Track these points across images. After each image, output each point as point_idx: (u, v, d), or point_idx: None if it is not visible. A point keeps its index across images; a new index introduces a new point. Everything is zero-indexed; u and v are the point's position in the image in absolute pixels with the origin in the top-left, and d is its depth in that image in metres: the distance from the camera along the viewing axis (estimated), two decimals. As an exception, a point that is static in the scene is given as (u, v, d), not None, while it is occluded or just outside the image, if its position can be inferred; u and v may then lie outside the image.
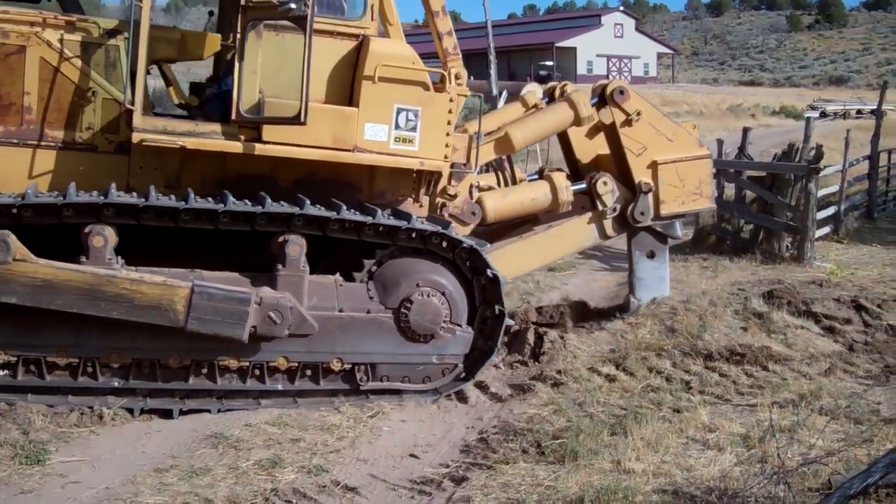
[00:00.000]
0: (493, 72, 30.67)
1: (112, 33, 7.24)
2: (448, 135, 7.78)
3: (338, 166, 7.56)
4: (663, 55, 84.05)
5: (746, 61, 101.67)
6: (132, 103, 7.04)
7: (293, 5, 6.95)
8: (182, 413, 6.93)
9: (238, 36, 7.15)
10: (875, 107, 21.58)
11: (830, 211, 15.97)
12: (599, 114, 9.01)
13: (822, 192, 14.74)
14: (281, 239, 7.01)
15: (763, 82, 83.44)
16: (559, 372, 7.98)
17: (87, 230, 6.60)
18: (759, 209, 14.32)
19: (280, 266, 7.00)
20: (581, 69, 71.01)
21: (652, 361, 8.30)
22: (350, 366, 7.32)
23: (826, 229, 15.51)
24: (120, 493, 5.50)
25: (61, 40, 7.13)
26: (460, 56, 8.04)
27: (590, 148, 9.52)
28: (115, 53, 7.25)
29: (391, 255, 7.43)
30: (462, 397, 7.55)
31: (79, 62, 7.17)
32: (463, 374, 7.62)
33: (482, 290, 7.59)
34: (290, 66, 7.21)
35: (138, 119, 7.00)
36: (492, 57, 30.86)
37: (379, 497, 5.67)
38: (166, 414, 6.91)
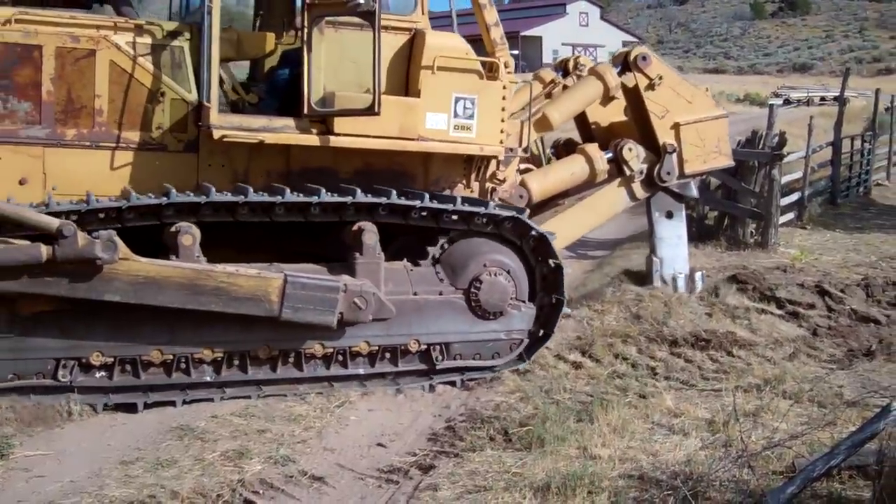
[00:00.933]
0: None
1: (174, 34, 7.38)
2: (503, 121, 8.11)
3: (394, 156, 7.89)
4: (629, 44, 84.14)
5: (711, 49, 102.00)
6: (208, 101, 7.17)
7: (362, 1, 7.16)
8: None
9: (304, 33, 7.35)
10: (838, 94, 21.75)
11: (794, 197, 16.07)
12: (623, 79, 9.24)
13: (785, 179, 14.83)
14: (356, 228, 7.22)
15: (727, 70, 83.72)
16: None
17: (174, 229, 6.73)
18: (724, 196, 14.38)
19: (357, 254, 7.21)
20: (546, 58, 70.89)
21: (618, 348, 8.35)
22: (426, 346, 7.54)
23: (790, 215, 15.61)
24: (85, 487, 5.45)
25: (129, 43, 7.25)
26: (507, 45, 8.36)
27: (604, 116, 9.80)
28: (180, 54, 7.38)
29: (457, 238, 7.72)
30: (428, 386, 7.54)
31: (147, 64, 7.30)
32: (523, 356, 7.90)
33: (543, 277, 7.90)
34: (356, 60, 7.52)
35: (215, 116, 7.17)
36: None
37: (346, 486, 5.65)
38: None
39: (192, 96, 7.38)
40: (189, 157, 7.50)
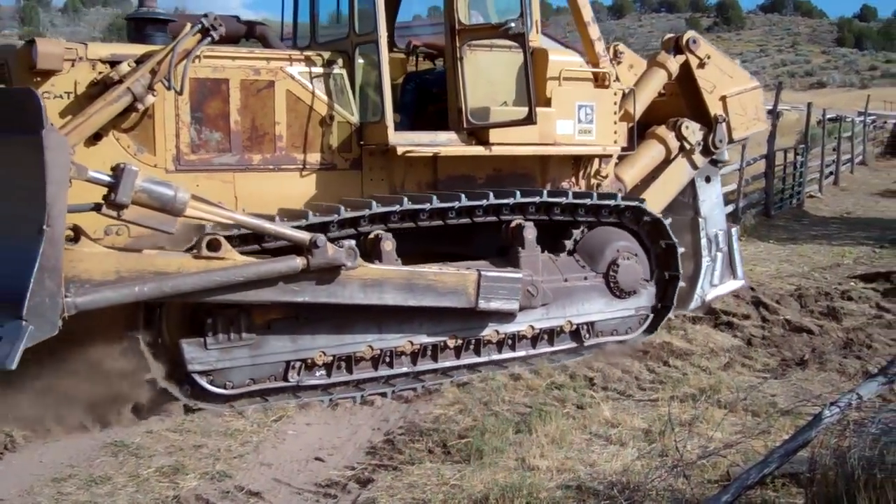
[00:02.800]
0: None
1: (331, 62, 8.06)
2: (616, 123, 9.15)
3: (519, 160, 8.77)
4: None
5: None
6: (387, 122, 7.82)
7: (513, 24, 7.98)
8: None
9: (455, 56, 8.10)
10: (771, 107, 22.14)
11: (729, 209, 16.32)
12: (676, 60, 10.17)
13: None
14: (516, 224, 8.18)
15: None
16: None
17: (374, 236, 7.49)
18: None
19: (520, 248, 8.14)
20: (487, 71, 71.23)
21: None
22: (576, 326, 8.59)
23: (725, 227, 15.83)
24: (15, 506, 5.35)
25: (302, 73, 7.91)
26: (609, 57, 9.36)
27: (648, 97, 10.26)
28: (341, 80, 8.07)
29: (588, 229, 8.78)
30: (366, 400, 7.51)
31: (317, 91, 7.95)
32: (648, 328, 9.17)
33: (657, 257, 9.11)
34: (504, 76, 8.48)
35: (393, 135, 7.85)
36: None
37: (283, 501, 5.59)
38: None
39: (355, 118, 8.10)
40: (354, 173, 8.19)
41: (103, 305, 6.11)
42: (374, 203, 7.41)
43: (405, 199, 7.53)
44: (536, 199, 8.18)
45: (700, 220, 10.49)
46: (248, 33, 8.48)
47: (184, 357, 6.88)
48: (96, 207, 6.09)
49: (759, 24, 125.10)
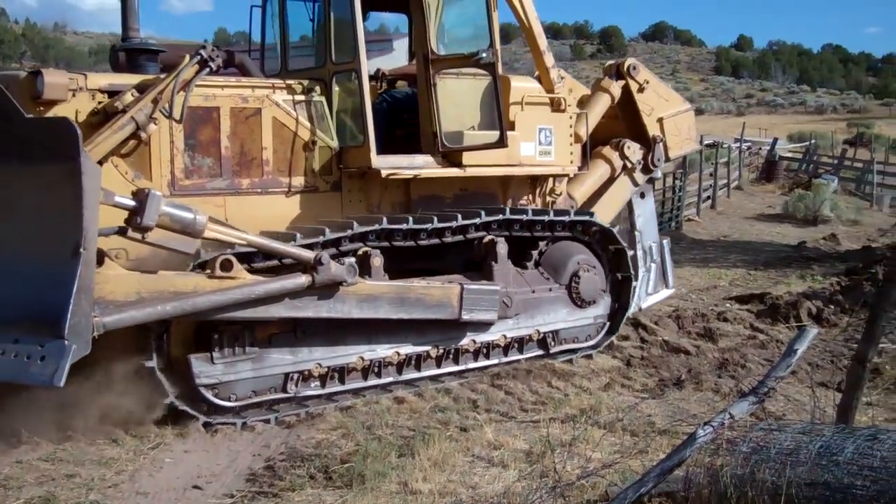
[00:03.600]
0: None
1: (310, 90, 8.47)
2: (571, 144, 9.88)
3: (482, 181, 9.36)
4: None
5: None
6: (362, 146, 8.34)
7: (484, 55, 8.52)
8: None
9: (429, 83, 8.59)
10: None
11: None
12: (618, 85, 10.83)
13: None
14: (489, 240, 8.74)
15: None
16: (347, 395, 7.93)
17: (364, 252, 7.88)
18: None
19: (493, 262, 8.69)
20: (374, 92, 71.28)
21: (439, 381, 8.40)
22: (542, 335, 9.21)
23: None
24: None
25: (286, 101, 8.30)
26: (564, 82, 9.96)
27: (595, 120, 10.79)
28: (321, 107, 8.50)
29: (548, 244, 9.43)
30: (247, 425, 7.37)
31: (300, 118, 8.35)
32: (609, 330, 9.88)
33: (609, 261, 9.80)
34: (472, 101, 9.00)
35: (375, 158, 8.29)
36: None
37: (159, 532, 5.47)
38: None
39: (335, 143, 8.54)
40: (334, 195, 8.61)
41: (129, 324, 6.39)
42: (384, 219, 7.99)
43: (410, 219, 8.16)
44: (525, 217, 8.95)
45: (636, 233, 11.19)
46: (227, 62, 8.44)
47: (191, 371, 7.14)
48: (121, 231, 6.40)
49: (640, 51, 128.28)
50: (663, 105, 11.30)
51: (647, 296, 11.14)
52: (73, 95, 7.26)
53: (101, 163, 6.95)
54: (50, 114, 7.01)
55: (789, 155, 40.06)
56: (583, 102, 10.57)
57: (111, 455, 6.56)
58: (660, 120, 11.22)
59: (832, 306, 12.08)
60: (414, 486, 5.94)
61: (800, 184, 30.40)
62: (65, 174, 5.59)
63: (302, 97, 8.40)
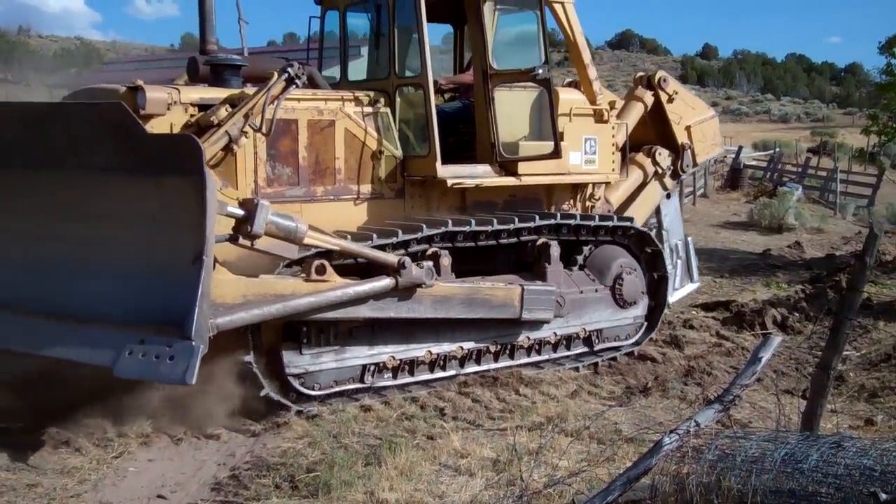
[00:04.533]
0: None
1: (375, 102, 8.96)
2: (613, 153, 10.47)
3: (530, 187, 9.77)
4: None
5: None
6: (427, 156, 8.90)
7: (541, 71, 9.09)
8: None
9: (488, 96, 9.11)
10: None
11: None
12: (648, 95, 11.49)
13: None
14: (542, 243, 9.26)
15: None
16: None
17: (434, 252, 8.42)
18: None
19: (547, 264, 9.20)
20: (342, 99, 71.03)
21: (406, 389, 8.37)
22: (588, 333, 9.69)
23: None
24: None
25: (356, 112, 8.78)
26: (604, 94, 10.54)
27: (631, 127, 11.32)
28: (387, 118, 9.01)
29: (592, 247, 9.94)
30: (211, 434, 7.30)
31: (368, 129, 8.84)
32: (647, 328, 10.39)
33: (647, 262, 10.28)
34: (525, 112, 9.56)
35: (440, 168, 8.84)
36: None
37: (122, 542, 5.40)
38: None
39: (399, 152, 9.05)
40: (398, 201, 9.15)
41: (238, 325, 6.90)
42: (449, 222, 8.51)
43: (494, 220, 8.79)
44: (575, 222, 9.51)
45: (664, 231, 11.72)
46: None
47: (282, 362, 7.67)
48: (232, 238, 6.81)
49: (606, 59, 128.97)
50: (690, 113, 11.92)
51: (675, 290, 11.56)
52: (168, 109, 7.73)
53: None
54: (148, 127, 7.16)
55: (754, 163, 40.29)
56: (618, 111, 10.96)
57: (74, 464, 6.48)
58: (688, 128, 11.82)
59: (797, 314, 12.19)
60: (380, 496, 5.92)
61: (764, 192, 30.62)
62: (189, 187, 5.95)
63: (370, 109, 8.89)
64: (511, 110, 9.39)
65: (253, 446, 7.13)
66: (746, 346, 10.73)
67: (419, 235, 8.29)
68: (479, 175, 9.15)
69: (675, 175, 11.87)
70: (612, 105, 10.87)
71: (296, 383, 7.76)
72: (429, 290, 8.08)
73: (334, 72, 10.40)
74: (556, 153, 9.34)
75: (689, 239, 12.23)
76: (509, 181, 9.36)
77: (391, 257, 7.84)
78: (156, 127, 7.55)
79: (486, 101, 9.17)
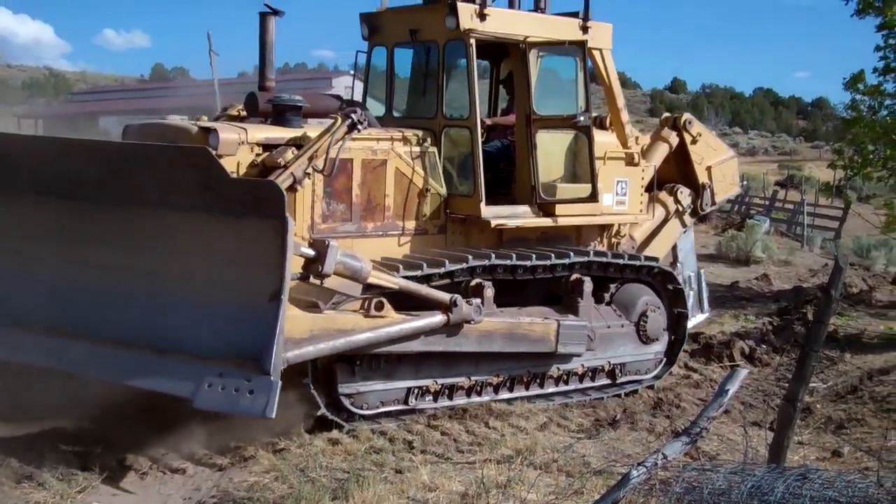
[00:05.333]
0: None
1: (424, 140, 9.32)
2: (642, 195, 10.88)
3: (560, 226, 9.94)
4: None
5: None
6: (472, 196, 9.30)
7: (582, 118, 9.58)
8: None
9: (529, 140, 9.51)
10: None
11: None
12: (674, 136, 11.89)
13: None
14: (576, 278, 9.61)
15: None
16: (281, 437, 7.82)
17: (478, 284, 8.86)
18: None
19: (580, 298, 9.59)
20: (313, 129, 70.90)
21: (375, 422, 8.33)
22: (612, 366, 10.03)
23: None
24: None
25: (406, 152, 9.16)
26: (637, 139, 10.95)
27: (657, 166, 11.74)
28: (434, 157, 9.37)
29: (619, 284, 10.23)
30: (177, 468, 7.22)
31: (416, 167, 9.21)
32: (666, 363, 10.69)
33: (668, 299, 10.54)
34: (563, 153, 9.90)
35: (484, 209, 9.24)
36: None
37: (84, 579, 5.32)
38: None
39: (444, 190, 9.42)
40: (440, 237, 9.51)
41: (305, 359, 7.42)
42: (492, 255, 8.91)
43: (533, 255, 9.20)
44: (607, 259, 9.84)
45: (678, 264, 12.02)
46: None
47: (336, 381, 8.13)
48: (303, 277, 7.26)
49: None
50: (712, 154, 12.38)
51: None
52: (238, 148, 8.14)
53: None
54: None
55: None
56: (645, 150, 11.35)
57: (37, 499, 6.39)
58: (708, 168, 12.26)
59: (764, 346, 12.29)
60: (348, 530, 5.86)
61: (732, 224, 30.83)
62: (270, 230, 6.33)
63: (418, 148, 9.27)
64: (551, 153, 9.77)
65: (219, 480, 7.06)
66: (715, 377, 10.80)
67: (464, 266, 8.70)
68: (519, 216, 9.57)
69: (695, 213, 12.29)
70: (637, 141, 11.23)
71: (346, 402, 8.23)
72: (475, 326, 8.54)
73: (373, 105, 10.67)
74: (593, 197, 9.76)
75: (702, 271, 12.61)
76: (547, 222, 9.73)
77: (444, 295, 8.30)
78: (224, 165, 7.52)
79: (527, 144, 9.58)
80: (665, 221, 11.84)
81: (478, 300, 8.60)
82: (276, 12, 9.19)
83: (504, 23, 9.57)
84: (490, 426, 8.54)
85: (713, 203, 12.58)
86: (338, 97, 9.96)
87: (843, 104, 19.05)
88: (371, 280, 7.65)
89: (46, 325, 7.15)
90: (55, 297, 7.34)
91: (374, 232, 9.03)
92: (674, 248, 12.16)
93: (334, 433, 8.03)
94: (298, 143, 8.29)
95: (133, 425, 7.72)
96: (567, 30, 10.05)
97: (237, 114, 9.59)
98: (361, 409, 8.34)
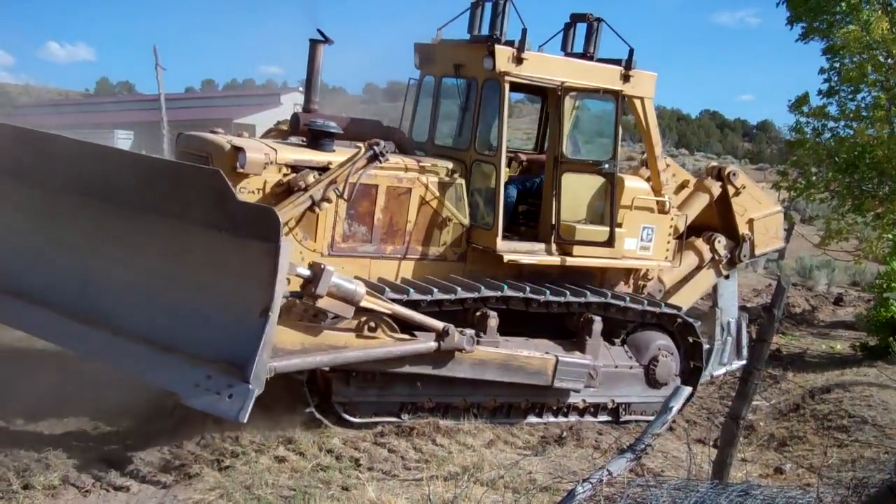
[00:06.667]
0: (165, 146, 30.16)
1: (452, 173, 9.73)
2: (669, 242, 10.90)
3: (582, 265, 10.15)
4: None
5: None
6: (490, 230, 9.63)
7: (607, 165, 9.96)
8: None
9: (555, 181, 9.85)
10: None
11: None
12: (716, 186, 11.98)
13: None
14: (586, 318, 9.78)
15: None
16: (226, 454, 7.75)
17: (481, 313, 9.15)
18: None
19: (588, 337, 9.76)
20: (261, 146, 70.42)
21: (322, 440, 8.29)
22: (616, 404, 10.22)
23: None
24: None
25: (432, 182, 9.57)
26: (672, 187, 11.21)
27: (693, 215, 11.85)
28: (460, 189, 9.78)
29: (637, 327, 10.44)
30: (120, 486, 7.11)
31: (441, 197, 9.63)
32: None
33: (686, 350, 10.70)
34: (591, 201, 10.07)
35: (500, 244, 9.60)
36: (164, 130, 30.47)
37: None
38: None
39: (467, 221, 9.80)
40: (459, 264, 9.90)
41: (293, 370, 8.01)
42: (505, 286, 9.28)
43: (547, 291, 9.52)
44: (623, 304, 9.98)
45: (717, 310, 12.10)
46: (385, 136, 9.80)
47: (331, 389, 8.67)
48: (296, 295, 7.85)
49: (526, 112, 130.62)
50: (755, 207, 12.41)
51: (720, 366, 11.88)
52: (264, 168, 8.67)
53: None
54: (244, 183, 8.58)
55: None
56: (684, 199, 11.73)
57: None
58: (750, 220, 12.32)
59: (709, 364, 12.38)
60: (293, 548, 5.82)
61: (679, 244, 31.19)
62: (265, 252, 6.89)
63: (446, 179, 9.68)
64: (575, 195, 10.00)
65: (163, 498, 6.96)
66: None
67: (475, 295, 9.07)
68: (534, 252, 9.85)
69: (732, 263, 12.32)
70: (683, 185, 11.83)
71: (339, 410, 8.73)
72: (469, 354, 8.86)
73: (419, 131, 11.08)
74: (609, 242, 9.96)
75: (743, 319, 12.46)
76: (556, 261, 9.94)
77: (437, 323, 8.66)
78: (251, 184, 8.63)
79: (552, 184, 9.90)
80: (698, 268, 11.90)
81: (471, 331, 8.86)
82: (326, 40, 9.73)
83: (540, 67, 9.92)
84: (437, 443, 8.53)
85: (752, 255, 12.68)
86: (378, 122, 10.62)
87: (788, 126, 19.38)
88: (364, 304, 8.09)
89: (75, 312, 7.87)
90: (86, 288, 8.02)
91: (394, 254, 9.48)
92: (714, 292, 12.28)
93: (280, 450, 7.98)
94: (322, 169, 8.80)
95: (76, 442, 7.61)
96: (606, 77, 10.26)
97: (286, 129, 10.22)
98: (353, 416, 8.80)
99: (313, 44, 9.76)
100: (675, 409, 6.22)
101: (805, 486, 7.16)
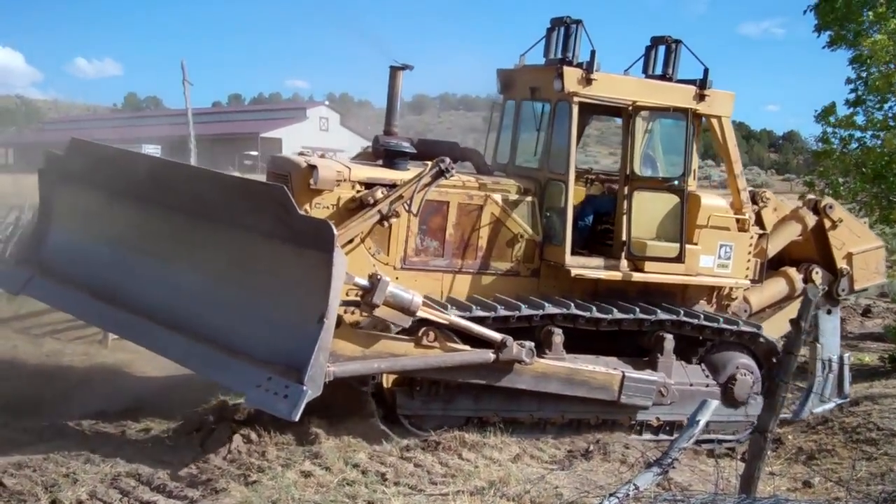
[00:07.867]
0: (192, 160, 30.28)
1: (525, 191, 10.12)
2: (749, 261, 10.80)
3: (661, 283, 10.30)
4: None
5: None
6: (560, 245, 9.89)
7: (677, 182, 10.20)
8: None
9: (627, 198, 10.07)
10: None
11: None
12: (813, 218, 11.94)
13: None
14: (659, 335, 9.93)
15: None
16: (252, 469, 7.76)
17: (548, 330, 9.42)
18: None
19: (660, 355, 9.91)
20: (287, 159, 70.76)
21: (348, 454, 8.28)
22: None
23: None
24: None
25: (503, 200, 9.99)
26: (751, 203, 11.14)
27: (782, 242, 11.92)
28: (532, 207, 10.13)
29: (716, 346, 10.47)
30: (147, 501, 7.10)
31: (513, 214, 10.01)
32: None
33: (769, 370, 10.52)
34: (663, 217, 10.25)
35: (568, 259, 9.86)
36: (191, 145, 30.61)
37: None
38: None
39: (539, 237, 10.10)
40: (532, 280, 10.17)
41: (351, 375, 8.40)
42: (572, 305, 9.53)
43: (615, 310, 9.69)
44: (696, 322, 10.08)
45: (818, 345, 11.93)
46: (463, 157, 10.57)
47: (396, 402, 9.07)
48: (355, 303, 8.35)
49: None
50: (854, 241, 12.34)
51: (821, 402, 11.59)
52: (338, 185, 9.19)
53: (351, 241, 9.03)
54: (318, 198, 9.14)
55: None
56: (775, 226, 11.71)
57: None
58: (849, 254, 12.26)
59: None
60: (320, 563, 5.81)
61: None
62: (321, 262, 7.32)
63: (517, 197, 10.06)
64: (646, 211, 10.17)
65: (188, 514, 6.98)
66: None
67: (540, 313, 9.34)
68: (603, 268, 10.04)
69: (829, 296, 12.20)
70: (775, 210, 11.83)
71: (406, 423, 9.08)
72: (530, 367, 9.07)
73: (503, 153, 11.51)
74: (679, 258, 10.06)
75: (846, 356, 12.25)
76: (633, 276, 10.09)
77: (495, 335, 8.90)
78: (325, 200, 9.16)
79: (624, 201, 10.12)
80: (790, 297, 11.86)
81: (530, 343, 9.03)
82: (405, 67, 10.15)
83: (610, 88, 10.19)
84: (463, 458, 8.50)
85: (851, 290, 12.58)
86: (455, 144, 11.09)
87: (814, 137, 19.25)
88: (420, 314, 8.41)
89: (148, 314, 8.51)
90: (158, 290, 8.68)
91: (466, 269, 9.88)
92: (816, 328, 12.08)
93: (306, 465, 7.99)
94: (391, 186, 9.25)
95: (103, 457, 7.65)
96: (678, 96, 10.44)
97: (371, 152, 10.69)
98: (419, 429, 9.09)
99: (393, 70, 10.19)
100: (701, 423, 6.19)
101: (834, 499, 7.10)
